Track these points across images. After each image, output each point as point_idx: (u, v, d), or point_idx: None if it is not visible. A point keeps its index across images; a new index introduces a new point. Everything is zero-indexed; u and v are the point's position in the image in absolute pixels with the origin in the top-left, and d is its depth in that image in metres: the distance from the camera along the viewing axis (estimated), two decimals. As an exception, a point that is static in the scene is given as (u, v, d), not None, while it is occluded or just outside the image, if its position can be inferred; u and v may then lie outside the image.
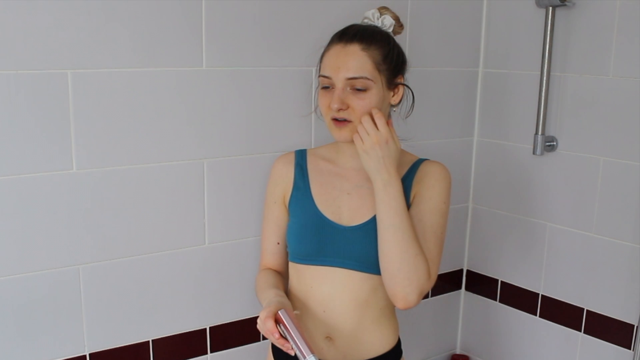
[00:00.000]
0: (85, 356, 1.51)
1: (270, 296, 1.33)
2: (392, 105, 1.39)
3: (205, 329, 1.68)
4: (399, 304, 1.30)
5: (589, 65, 1.79)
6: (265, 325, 1.23)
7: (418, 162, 1.41)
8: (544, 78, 1.84)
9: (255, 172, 1.66)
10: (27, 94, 1.34)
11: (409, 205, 1.36)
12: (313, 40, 1.54)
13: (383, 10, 1.40)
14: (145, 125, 1.50)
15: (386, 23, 1.38)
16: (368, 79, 1.29)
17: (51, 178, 1.40)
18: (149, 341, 1.60)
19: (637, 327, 1.72)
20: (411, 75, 1.92)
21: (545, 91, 1.85)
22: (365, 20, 1.39)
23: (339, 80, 1.30)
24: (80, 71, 1.39)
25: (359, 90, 1.30)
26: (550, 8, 1.79)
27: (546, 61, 1.82)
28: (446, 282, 2.19)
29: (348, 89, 1.30)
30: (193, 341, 1.67)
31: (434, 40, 1.96)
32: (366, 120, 1.28)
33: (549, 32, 1.80)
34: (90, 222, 1.46)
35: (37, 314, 1.44)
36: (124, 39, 1.43)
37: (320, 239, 1.36)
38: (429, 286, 1.30)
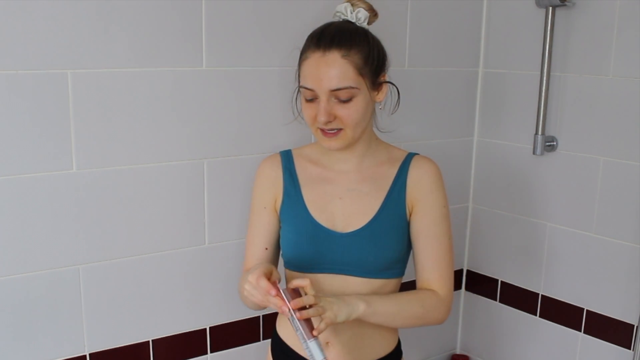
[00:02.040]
0: (85, 356, 1.52)
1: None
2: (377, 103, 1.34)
3: (205, 329, 1.68)
4: (438, 324, 1.39)
5: (589, 65, 1.79)
6: (259, 284, 1.15)
7: (409, 158, 1.37)
8: (544, 78, 1.84)
9: (256, 171, 1.66)
10: (27, 94, 1.34)
11: (404, 208, 1.34)
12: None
13: (355, 1, 1.31)
14: (145, 125, 1.50)
15: (360, 17, 1.30)
16: (352, 87, 1.23)
17: (51, 178, 1.40)
18: (149, 341, 1.60)
19: (637, 327, 1.72)
20: (411, 75, 1.93)
21: (545, 91, 1.85)
22: (338, 14, 1.32)
23: (322, 93, 1.23)
24: (80, 71, 1.39)
25: (344, 100, 1.24)
26: (550, 8, 1.79)
27: (546, 61, 1.82)
28: (446, 282, 2.19)
29: (333, 99, 1.24)
30: (193, 341, 1.67)
31: (434, 40, 1.96)
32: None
33: (549, 32, 1.80)
34: (90, 222, 1.46)
35: (37, 314, 1.44)
36: (124, 39, 1.43)
37: (316, 247, 1.33)
38: (451, 299, 1.37)
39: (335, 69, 1.23)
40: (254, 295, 1.18)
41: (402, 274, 1.38)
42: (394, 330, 1.41)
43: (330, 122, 1.25)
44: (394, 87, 1.37)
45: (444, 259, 1.35)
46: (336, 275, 1.33)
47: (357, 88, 1.24)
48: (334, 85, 1.23)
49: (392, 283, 1.36)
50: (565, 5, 1.78)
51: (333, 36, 1.25)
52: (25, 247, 1.40)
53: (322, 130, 1.27)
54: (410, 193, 1.34)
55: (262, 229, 1.40)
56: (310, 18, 1.67)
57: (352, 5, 1.30)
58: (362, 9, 1.30)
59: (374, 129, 1.39)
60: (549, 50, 1.81)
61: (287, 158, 1.41)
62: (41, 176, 1.39)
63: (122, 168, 1.48)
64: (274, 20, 1.63)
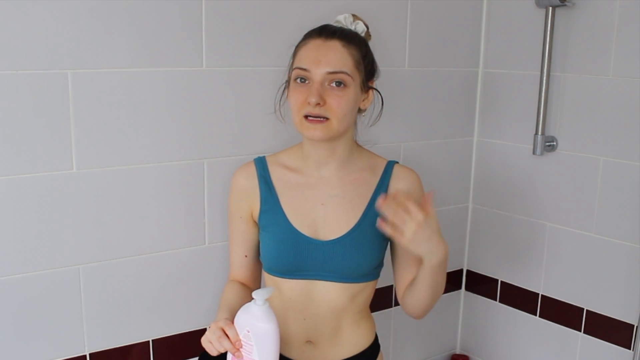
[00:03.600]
0: (85, 356, 1.52)
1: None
2: (360, 111, 1.35)
3: (205, 329, 1.68)
4: (419, 318, 1.44)
5: (589, 65, 1.79)
6: (229, 330, 1.17)
7: (390, 166, 1.39)
8: (544, 78, 1.84)
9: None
10: (27, 94, 1.34)
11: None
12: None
13: (355, 17, 1.36)
14: (146, 125, 1.50)
15: (359, 29, 1.34)
16: (348, 74, 1.25)
17: (51, 178, 1.40)
18: (149, 341, 1.60)
19: (637, 327, 1.72)
20: (411, 75, 1.93)
21: (545, 91, 1.85)
22: (337, 23, 1.34)
23: (318, 74, 1.24)
24: (80, 71, 1.39)
25: (338, 85, 1.25)
26: (550, 8, 1.79)
27: (546, 61, 1.82)
28: (446, 282, 2.18)
29: (326, 84, 1.24)
30: (193, 341, 1.67)
31: (434, 40, 1.96)
32: (397, 213, 1.17)
33: (549, 32, 1.80)
34: (90, 222, 1.46)
35: (37, 314, 1.44)
36: (124, 39, 1.43)
37: (298, 255, 1.33)
38: None
39: (335, 54, 1.25)
40: (214, 335, 1.18)
41: (378, 276, 1.41)
42: (371, 325, 1.45)
43: (319, 105, 1.24)
44: (379, 97, 1.38)
45: None
46: (316, 281, 1.34)
47: (351, 77, 1.26)
48: (332, 68, 1.24)
49: (370, 286, 1.40)
50: (565, 5, 1.78)
51: (335, 30, 1.29)
52: (25, 247, 1.40)
53: (307, 117, 1.26)
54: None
55: (240, 238, 1.42)
56: (311, 18, 1.67)
57: (352, 17, 1.35)
58: (361, 23, 1.35)
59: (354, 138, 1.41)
60: (549, 50, 1.81)
61: (261, 166, 1.40)
62: (41, 176, 1.39)
63: (122, 168, 1.48)
64: (274, 20, 1.63)
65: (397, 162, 1.41)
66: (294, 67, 1.29)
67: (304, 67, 1.26)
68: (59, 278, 1.45)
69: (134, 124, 1.48)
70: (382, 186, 1.36)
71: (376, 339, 1.47)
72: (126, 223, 1.51)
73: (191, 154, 1.57)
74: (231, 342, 1.18)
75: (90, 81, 1.40)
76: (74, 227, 1.44)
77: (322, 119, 1.25)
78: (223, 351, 1.20)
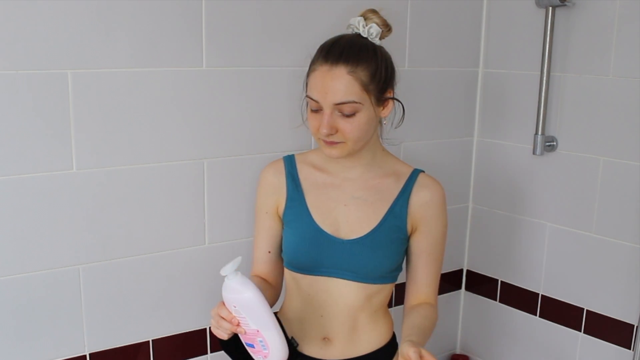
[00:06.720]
0: (85, 356, 1.52)
1: None
2: (381, 118, 1.36)
3: (205, 329, 1.68)
4: None
5: (589, 65, 1.79)
6: (222, 312, 1.20)
7: (414, 174, 1.40)
8: (544, 78, 1.84)
9: (256, 172, 1.66)
10: (27, 94, 1.34)
11: (405, 222, 1.37)
12: (314, 40, 1.53)
13: (370, 15, 1.32)
14: (145, 125, 1.50)
15: (372, 32, 1.31)
16: (356, 102, 1.25)
17: (51, 178, 1.40)
18: (149, 341, 1.60)
19: (637, 327, 1.72)
20: (411, 75, 1.93)
21: (545, 91, 1.85)
22: (351, 27, 1.33)
23: (326, 105, 1.26)
24: (80, 71, 1.39)
25: (347, 115, 1.26)
26: (550, 8, 1.79)
27: (546, 61, 1.82)
28: (446, 282, 2.19)
29: (336, 112, 1.26)
30: (193, 341, 1.67)
31: (434, 40, 1.96)
32: None
33: (549, 32, 1.80)
34: (90, 222, 1.46)
35: (37, 314, 1.44)
36: (124, 39, 1.43)
37: (318, 251, 1.36)
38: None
39: (340, 84, 1.25)
40: (215, 320, 1.23)
41: (396, 279, 1.42)
42: (389, 323, 1.47)
43: (331, 134, 1.27)
44: (400, 104, 1.39)
45: (438, 275, 1.44)
46: (334, 279, 1.36)
47: (360, 103, 1.26)
48: (338, 99, 1.25)
49: (387, 288, 1.41)
50: (565, 5, 1.78)
51: (342, 51, 1.27)
52: (25, 247, 1.40)
53: (324, 139, 1.30)
54: (414, 211, 1.37)
55: (265, 233, 1.44)
56: (311, 18, 1.67)
57: (365, 19, 1.32)
58: (374, 25, 1.31)
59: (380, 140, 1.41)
60: (549, 50, 1.81)
61: (290, 163, 1.43)
62: (41, 176, 1.39)
63: (122, 168, 1.48)
64: (274, 20, 1.63)
65: (423, 171, 1.42)
66: (306, 93, 1.32)
67: (314, 97, 1.28)
68: (59, 278, 1.45)
69: (133, 124, 1.48)
70: (405, 193, 1.38)
71: (394, 337, 1.48)
72: (126, 223, 1.51)
73: (191, 154, 1.57)
74: (229, 322, 1.20)
75: (90, 81, 1.40)
76: (73, 227, 1.45)
77: (337, 142, 1.29)
78: (230, 333, 1.23)
